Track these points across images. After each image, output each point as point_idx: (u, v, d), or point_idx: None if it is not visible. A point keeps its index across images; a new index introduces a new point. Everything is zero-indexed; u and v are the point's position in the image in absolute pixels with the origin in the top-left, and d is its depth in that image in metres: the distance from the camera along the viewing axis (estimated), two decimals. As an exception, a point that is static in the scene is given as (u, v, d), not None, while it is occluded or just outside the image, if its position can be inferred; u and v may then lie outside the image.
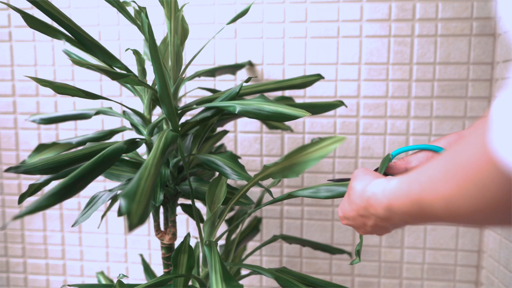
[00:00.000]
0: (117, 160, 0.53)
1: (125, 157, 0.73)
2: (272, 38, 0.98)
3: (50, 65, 1.05)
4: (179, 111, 0.65)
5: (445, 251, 0.98)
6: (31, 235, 1.11)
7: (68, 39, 0.58)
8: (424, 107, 0.95)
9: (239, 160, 1.02)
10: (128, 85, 0.73)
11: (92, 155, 0.56)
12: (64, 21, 0.55)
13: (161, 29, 1.01)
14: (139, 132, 0.70)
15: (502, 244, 0.88)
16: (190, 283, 0.89)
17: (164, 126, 0.68)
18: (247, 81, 0.60)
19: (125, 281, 1.10)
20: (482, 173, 0.24)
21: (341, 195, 0.56)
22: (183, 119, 1.04)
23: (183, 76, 0.68)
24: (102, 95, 0.78)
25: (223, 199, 0.60)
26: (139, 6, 0.63)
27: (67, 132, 1.07)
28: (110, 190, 0.62)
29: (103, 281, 0.87)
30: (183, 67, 0.99)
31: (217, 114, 0.65)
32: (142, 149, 1.06)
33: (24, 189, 1.10)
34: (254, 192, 1.03)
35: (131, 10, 1.01)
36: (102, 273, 0.89)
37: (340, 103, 0.73)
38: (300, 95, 0.99)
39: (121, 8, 0.62)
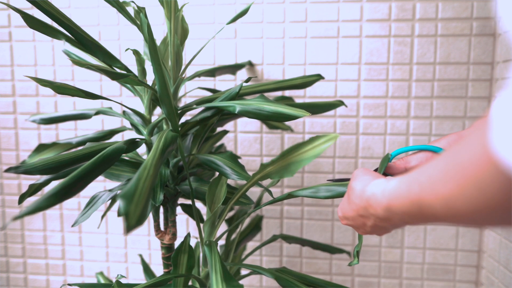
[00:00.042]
0: (117, 160, 0.53)
1: (125, 157, 0.73)
2: (272, 38, 0.98)
3: (50, 65, 1.05)
4: (179, 111, 0.65)
5: (445, 251, 0.98)
6: (31, 235, 1.11)
7: (68, 39, 0.58)
8: (424, 107, 0.95)
9: (239, 160, 1.02)
10: (128, 85, 0.73)
11: (92, 155, 0.56)
12: (64, 21, 0.55)
13: (161, 29, 1.01)
14: (139, 132, 0.70)
15: (502, 244, 0.88)
16: (190, 283, 0.89)
17: (164, 126, 0.68)
18: (247, 81, 0.60)
19: (125, 281, 1.10)
20: (482, 173, 0.24)
21: (341, 195, 0.56)
22: (183, 119, 1.04)
23: (183, 76, 0.68)
24: (102, 95, 0.78)
25: (223, 199, 0.60)
26: (138, 6, 0.63)
27: (67, 132, 1.07)
28: (110, 190, 0.62)
29: (103, 282, 0.87)
30: (183, 67, 0.99)
31: (217, 114, 0.65)
32: (142, 149, 1.06)
33: (24, 189, 1.10)
34: (254, 192, 1.03)
35: (131, 10, 1.01)
36: (101, 273, 0.89)
37: (340, 103, 0.73)
38: (300, 95, 0.99)
39: (121, 8, 0.62)
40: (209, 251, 0.55)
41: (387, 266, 1.01)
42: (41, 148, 0.73)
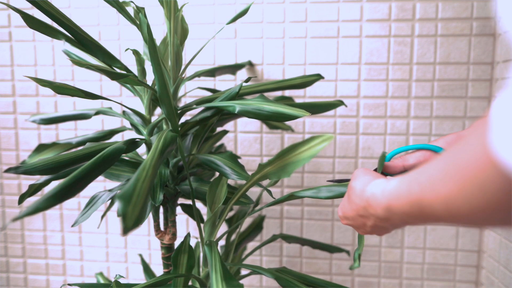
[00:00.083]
0: (117, 160, 0.53)
1: (125, 157, 0.73)
2: (272, 38, 0.98)
3: (50, 65, 1.05)
4: (178, 111, 0.65)
5: (445, 251, 0.98)
6: (31, 235, 1.11)
7: (68, 39, 0.58)
8: (424, 107, 0.95)
9: (239, 160, 1.02)
10: (128, 85, 0.73)
11: (92, 155, 0.56)
12: (64, 21, 0.55)
13: (161, 29, 1.01)
14: (139, 132, 0.70)
15: (502, 244, 0.88)
16: (190, 283, 0.89)
17: (164, 126, 0.68)
18: (247, 81, 0.60)
19: (125, 281, 1.10)
20: (482, 173, 0.24)
21: (341, 195, 0.56)
22: (183, 119, 1.04)
23: (183, 76, 0.68)
24: (102, 95, 0.78)
25: (223, 199, 0.60)
26: (137, 6, 0.63)
27: (67, 132, 1.07)
28: (110, 190, 0.62)
29: (102, 282, 0.87)
30: (182, 67, 0.99)
31: (217, 114, 0.65)
32: (142, 149, 1.06)
33: (24, 189, 1.10)
34: (255, 192, 1.03)
35: (130, 10, 1.01)
36: (101, 273, 0.89)
37: (340, 103, 0.73)
38: (300, 95, 0.99)
39: (121, 8, 0.62)
40: (209, 251, 0.55)
41: (387, 266, 1.01)
42: (41, 148, 0.73)
